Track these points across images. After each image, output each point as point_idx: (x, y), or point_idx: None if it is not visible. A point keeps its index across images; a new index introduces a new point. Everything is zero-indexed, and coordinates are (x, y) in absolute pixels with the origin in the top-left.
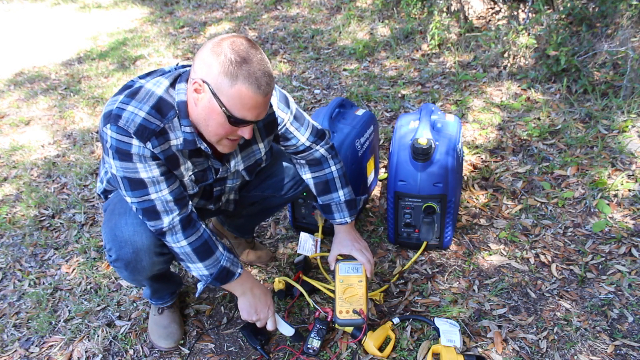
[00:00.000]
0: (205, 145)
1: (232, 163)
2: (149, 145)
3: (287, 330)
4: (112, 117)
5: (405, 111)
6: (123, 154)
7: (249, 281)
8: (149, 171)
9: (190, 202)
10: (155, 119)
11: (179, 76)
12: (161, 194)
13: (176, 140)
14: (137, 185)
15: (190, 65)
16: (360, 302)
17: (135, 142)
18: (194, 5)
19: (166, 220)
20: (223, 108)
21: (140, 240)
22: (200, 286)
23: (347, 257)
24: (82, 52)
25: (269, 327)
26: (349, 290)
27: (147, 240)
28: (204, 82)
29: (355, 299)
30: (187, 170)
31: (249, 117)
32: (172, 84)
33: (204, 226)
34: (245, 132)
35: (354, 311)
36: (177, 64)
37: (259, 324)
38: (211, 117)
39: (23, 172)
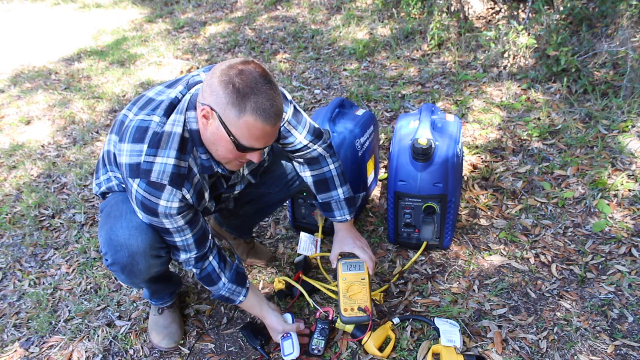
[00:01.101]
0: (222, 168)
1: (240, 169)
2: (184, 190)
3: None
4: (141, 172)
5: (405, 111)
6: (149, 210)
7: (257, 308)
8: (174, 223)
9: (208, 239)
10: (182, 161)
11: (189, 102)
12: (185, 238)
13: (196, 167)
14: (163, 230)
15: (197, 82)
16: (364, 299)
17: (162, 200)
18: (194, 5)
19: (183, 257)
20: (231, 137)
21: (136, 243)
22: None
23: (348, 255)
24: (82, 51)
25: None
26: (352, 287)
27: (143, 243)
28: (212, 109)
29: (359, 297)
30: (207, 194)
31: (257, 145)
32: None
33: (211, 258)
34: (254, 157)
35: (359, 308)
36: (184, 87)
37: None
38: (220, 143)
39: (23, 172)
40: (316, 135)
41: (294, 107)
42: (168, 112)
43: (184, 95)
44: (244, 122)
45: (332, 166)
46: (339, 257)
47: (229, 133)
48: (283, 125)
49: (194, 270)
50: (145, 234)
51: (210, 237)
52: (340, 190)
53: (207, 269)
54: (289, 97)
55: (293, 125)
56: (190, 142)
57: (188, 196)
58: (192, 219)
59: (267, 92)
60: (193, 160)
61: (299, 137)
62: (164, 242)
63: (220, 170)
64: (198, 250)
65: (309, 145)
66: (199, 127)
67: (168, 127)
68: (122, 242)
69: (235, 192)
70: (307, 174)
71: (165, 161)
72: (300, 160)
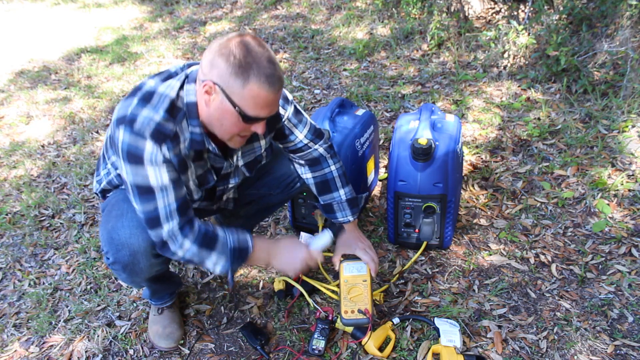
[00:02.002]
0: (214, 145)
1: (235, 158)
2: (164, 148)
3: (325, 240)
4: (126, 121)
5: (405, 111)
6: (135, 158)
7: (267, 246)
8: (158, 177)
9: (190, 209)
10: (169, 123)
11: (187, 77)
12: (167, 201)
13: (184, 142)
14: (145, 191)
15: (197, 63)
16: (365, 302)
17: (148, 146)
18: (194, 5)
19: (166, 228)
20: (237, 108)
21: (137, 242)
22: (229, 277)
23: (351, 257)
24: (83, 51)
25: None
26: (354, 289)
27: (144, 242)
28: (214, 83)
29: (360, 299)
30: (192, 174)
31: (262, 115)
32: (182, 86)
33: (198, 222)
34: (259, 128)
35: (359, 311)
36: (185, 64)
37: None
38: (225, 117)
39: (23, 172)
40: (317, 134)
41: (295, 106)
42: (165, 80)
43: (182, 70)
44: (248, 91)
45: (333, 167)
46: (341, 258)
47: (234, 105)
48: (284, 123)
49: (186, 241)
50: (146, 233)
51: (191, 210)
52: (342, 192)
53: (200, 230)
54: (290, 97)
55: (294, 123)
56: (183, 113)
57: (168, 156)
58: (176, 180)
59: (267, 60)
60: (181, 131)
61: (300, 136)
62: None
63: (211, 148)
64: (180, 217)
65: (309, 145)
66: (197, 101)
67: (161, 88)
68: (123, 241)
69: (230, 186)
70: (308, 176)
71: (150, 115)
72: (301, 161)
